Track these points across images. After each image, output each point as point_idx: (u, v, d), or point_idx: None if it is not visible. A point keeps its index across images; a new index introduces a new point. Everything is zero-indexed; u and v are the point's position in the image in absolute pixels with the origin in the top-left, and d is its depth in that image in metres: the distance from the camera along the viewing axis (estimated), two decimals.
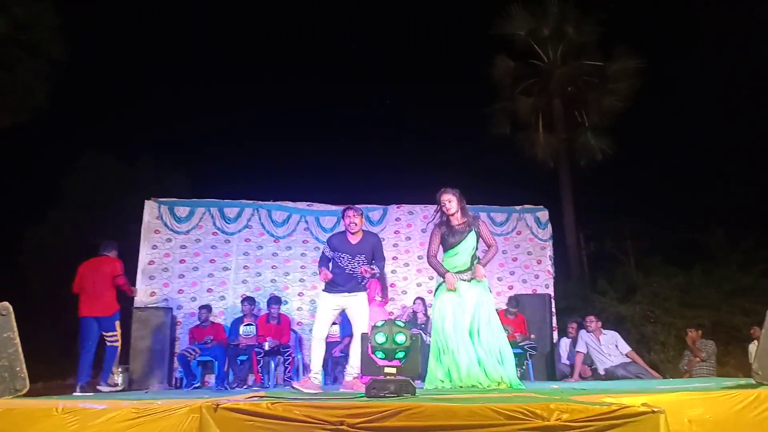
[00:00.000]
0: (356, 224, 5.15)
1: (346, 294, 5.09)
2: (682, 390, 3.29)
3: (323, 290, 5.21)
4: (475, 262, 4.87)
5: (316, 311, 5.30)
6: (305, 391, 4.50)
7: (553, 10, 14.42)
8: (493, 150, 15.61)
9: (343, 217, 5.22)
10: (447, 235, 4.90)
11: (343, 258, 5.11)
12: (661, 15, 16.00)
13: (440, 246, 4.98)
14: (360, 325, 5.07)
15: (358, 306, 5.11)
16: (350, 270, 5.08)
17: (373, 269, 5.01)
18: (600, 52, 14.41)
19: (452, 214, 4.90)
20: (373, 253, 5.19)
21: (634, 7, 15.56)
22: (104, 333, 6.47)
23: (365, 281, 5.22)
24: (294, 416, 2.59)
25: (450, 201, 4.88)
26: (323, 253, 5.29)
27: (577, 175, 14.64)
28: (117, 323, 6.53)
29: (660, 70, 14.42)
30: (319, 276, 5.16)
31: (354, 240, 5.18)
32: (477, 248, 4.93)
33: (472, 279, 4.84)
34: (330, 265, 5.21)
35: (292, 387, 4.89)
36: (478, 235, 4.93)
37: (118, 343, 6.54)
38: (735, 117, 14.57)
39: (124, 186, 14.44)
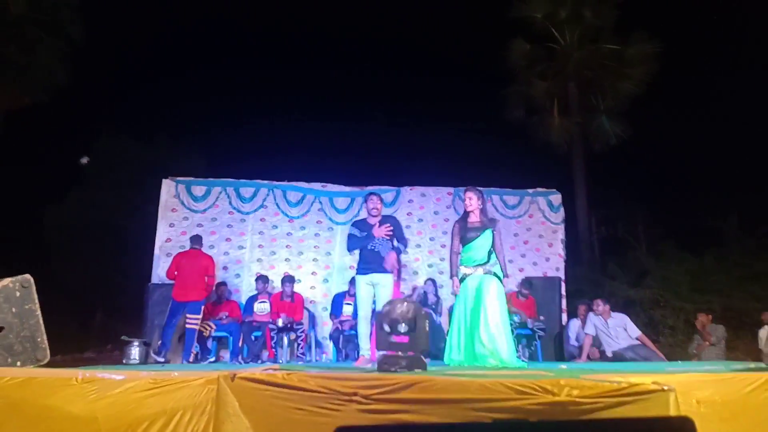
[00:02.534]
0: (377, 209, 5.69)
1: (374, 274, 5.51)
2: (691, 372, 3.27)
3: (356, 274, 5.67)
4: (492, 257, 5.21)
5: (356, 294, 5.72)
6: (360, 367, 4.82)
7: None
8: (507, 133, 15.64)
9: (366, 201, 5.81)
10: (464, 231, 5.31)
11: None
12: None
13: (460, 241, 5.38)
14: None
15: (384, 285, 5.50)
16: (372, 246, 5.53)
17: (389, 228, 5.49)
18: (617, 36, 14.29)
19: (471, 211, 5.34)
20: (393, 232, 5.60)
21: None
22: (189, 315, 7.26)
23: (389, 261, 5.52)
24: (309, 386, 2.64)
25: (470, 199, 5.36)
26: (351, 234, 5.70)
27: (591, 160, 14.63)
28: (202, 308, 7.36)
29: (677, 55, 14.28)
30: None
31: (373, 222, 5.66)
32: (493, 246, 5.27)
33: (487, 272, 5.17)
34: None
35: (354, 366, 5.20)
36: (493, 236, 5.29)
37: (198, 326, 7.33)
38: (752, 103, 14.43)
39: (142, 165, 14.62)
